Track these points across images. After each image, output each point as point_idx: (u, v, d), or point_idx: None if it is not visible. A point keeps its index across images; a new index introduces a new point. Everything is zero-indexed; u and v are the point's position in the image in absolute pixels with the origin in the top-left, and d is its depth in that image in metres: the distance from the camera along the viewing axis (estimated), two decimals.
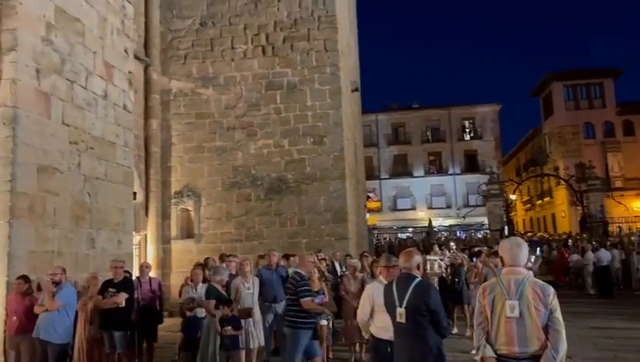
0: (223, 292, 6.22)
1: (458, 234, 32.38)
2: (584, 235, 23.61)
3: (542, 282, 3.33)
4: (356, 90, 19.12)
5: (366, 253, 10.40)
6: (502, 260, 3.50)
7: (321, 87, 13.80)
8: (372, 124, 42.00)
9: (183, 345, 6.82)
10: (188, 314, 6.71)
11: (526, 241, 4.46)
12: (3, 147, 6.29)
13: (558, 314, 3.19)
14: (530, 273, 3.40)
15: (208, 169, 13.92)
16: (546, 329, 3.15)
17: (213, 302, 5.97)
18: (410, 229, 33.99)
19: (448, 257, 10.86)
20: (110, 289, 6.45)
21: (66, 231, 7.31)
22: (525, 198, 45.89)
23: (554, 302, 3.20)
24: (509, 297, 3.22)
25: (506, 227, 27.59)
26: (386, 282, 4.26)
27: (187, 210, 13.95)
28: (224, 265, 7.83)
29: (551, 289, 3.25)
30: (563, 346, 3.15)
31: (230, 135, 13.92)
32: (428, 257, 10.27)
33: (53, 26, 7.13)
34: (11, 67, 6.40)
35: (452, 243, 15.20)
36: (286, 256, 8.84)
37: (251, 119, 13.90)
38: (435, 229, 31.89)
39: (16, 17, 6.44)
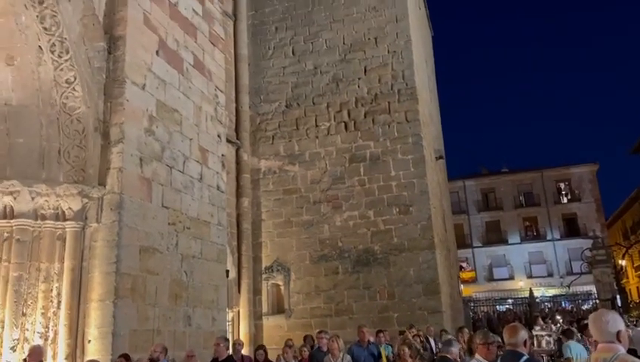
0: None
1: (564, 305, 29.82)
2: None
3: (634, 359, 2.90)
4: (440, 157, 18.94)
5: (463, 328, 9.81)
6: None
7: (404, 156, 13.83)
8: (460, 191, 40.97)
9: None
10: None
11: None
12: (110, 231, 6.80)
13: None
14: (621, 349, 2.97)
15: (296, 243, 14.13)
16: None
17: None
18: (510, 300, 31.79)
19: (555, 331, 9.97)
20: None
21: (165, 310, 7.61)
22: (638, 263, 41.74)
23: None
24: None
25: (618, 296, 25.04)
26: (484, 361, 3.97)
27: (277, 285, 14.10)
28: (315, 342, 7.74)
29: None
30: None
31: (316, 208, 14.17)
32: (535, 332, 9.48)
33: (154, 117, 7.84)
34: (118, 157, 7.04)
35: (558, 316, 13.99)
36: (378, 332, 8.57)
37: (336, 192, 14.11)
38: (538, 300, 29.57)
39: (123, 112, 7.16)
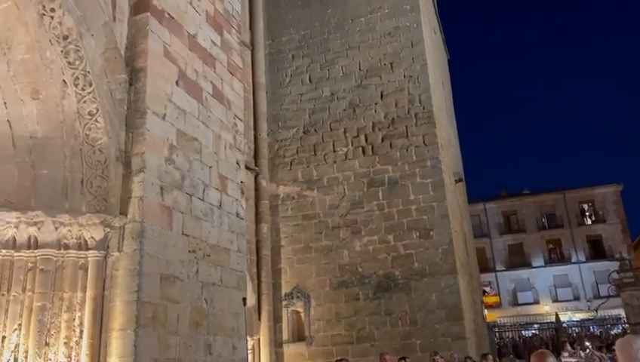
0: None
1: (592, 330, 28.95)
2: None
3: None
4: (460, 180, 18.79)
5: (488, 355, 9.58)
6: None
7: (423, 180, 13.77)
8: (481, 214, 40.48)
9: None
10: None
11: None
12: (131, 259, 6.85)
13: None
14: None
15: (316, 269, 14.05)
16: None
17: None
18: (536, 325, 31.02)
19: (583, 358, 9.68)
20: None
21: (186, 338, 7.58)
22: None
23: None
24: None
25: None
26: None
27: (297, 312, 13.99)
28: None
29: None
30: None
31: (335, 234, 14.11)
32: (563, 359, 9.22)
33: (174, 146, 7.95)
34: (139, 186, 7.13)
35: (586, 342, 13.59)
36: (400, 360, 8.41)
37: (355, 217, 14.06)
38: (565, 325, 28.79)
39: (144, 142, 7.28)
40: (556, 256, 39.99)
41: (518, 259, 39.91)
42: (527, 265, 39.64)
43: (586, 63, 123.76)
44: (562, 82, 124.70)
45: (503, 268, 40.03)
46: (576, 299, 38.00)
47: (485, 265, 36.88)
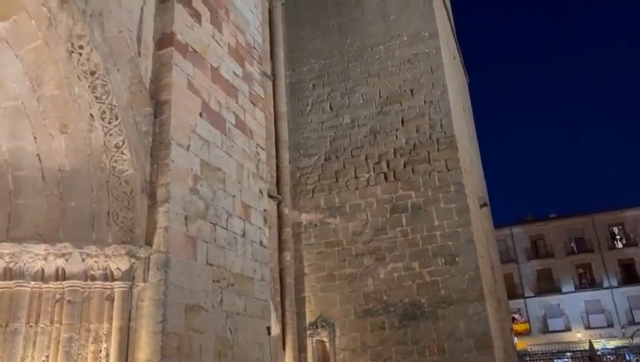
0: None
1: (628, 358, 27.85)
2: None
3: None
4: (485, 205, 18.54)
5: None
6: None
7: (447, 205, 13.62)
8: (507, 239, 39.78)
9: None
10: None
11: None
12: (156, 290, 6.87)
13: None
14: None
15: (340, 297, 13.89)
16: None
17: None
18: (568, 354, 29.99)
19: None
20: None
21: None
22: None
23: None
24: None
25: None
26: None
27: (322, 342, 13.79)
28: None
29: None
30: None
31: (359, 261, 13.98)
32: None
33: (199, 176, 8.04)
34: (164, 216, 7.20)
35: None
36: None
37: (379, 243, 13.93)
38: (599, 353, 27.79)
39: (169, 173, 7.38)
40: (587, 281, 38.90)
41: (547, 285, 38.94)
42: (556, 290, 38.62)
43: (623, 86, 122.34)
44: (588, 105, 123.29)
45: (532, 294, 39.06)
46: (610, 325, 36.75)
47: (513, 292, 36.04)
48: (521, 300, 38.36)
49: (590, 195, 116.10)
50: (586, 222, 39.46)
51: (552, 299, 38.35)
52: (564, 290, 38.41)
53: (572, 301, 37.76)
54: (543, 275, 39.25)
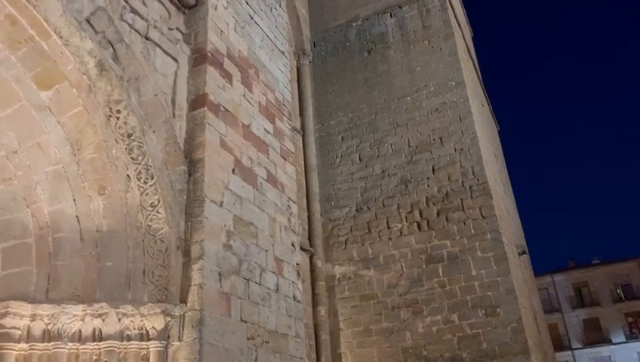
0: None
1: None
2: None
3: None
4: (524, 252, 17.98)
5: None
6: None
7: (484, 254, 13.25)
8: (549, 287, 38.29)
9: None
10: None
11: None
12: (191, 349, 6.78)
13: None
14: None
15: (377, 353, 13.45)
16: None
17: None
18: None
19: None
20: None
21: None
22: None
23: None
24: None
25: None
26: None
27: None
28: None
29: None
30: None
31: (396, 314, 13.59)
32: None
33: (232, 232, 8.08)
34: (198, 274, 7.20)
35: None
36: None
37: (415, 296, 13.57)
38: None
39: (203, 230, 7.44)
40: (638, 330, 36.77)
41: (595, 335, 36.98)
42: (606, 341, 36.60)
43: None
44: (629, 140, 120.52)
45: (580, 346, 37.07)
46: None
47: (559, 343, 34.29)
48: (569, 352, 36.41)
49: (633, 239, 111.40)
50: (632, 268, 37.74)
51: (603, 351, 36.28)
52: (614, 341, 36.35)
53: (624, 352, 35.61)
54: (590, 325, 37.33)
